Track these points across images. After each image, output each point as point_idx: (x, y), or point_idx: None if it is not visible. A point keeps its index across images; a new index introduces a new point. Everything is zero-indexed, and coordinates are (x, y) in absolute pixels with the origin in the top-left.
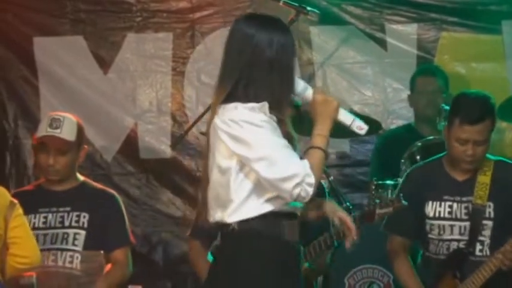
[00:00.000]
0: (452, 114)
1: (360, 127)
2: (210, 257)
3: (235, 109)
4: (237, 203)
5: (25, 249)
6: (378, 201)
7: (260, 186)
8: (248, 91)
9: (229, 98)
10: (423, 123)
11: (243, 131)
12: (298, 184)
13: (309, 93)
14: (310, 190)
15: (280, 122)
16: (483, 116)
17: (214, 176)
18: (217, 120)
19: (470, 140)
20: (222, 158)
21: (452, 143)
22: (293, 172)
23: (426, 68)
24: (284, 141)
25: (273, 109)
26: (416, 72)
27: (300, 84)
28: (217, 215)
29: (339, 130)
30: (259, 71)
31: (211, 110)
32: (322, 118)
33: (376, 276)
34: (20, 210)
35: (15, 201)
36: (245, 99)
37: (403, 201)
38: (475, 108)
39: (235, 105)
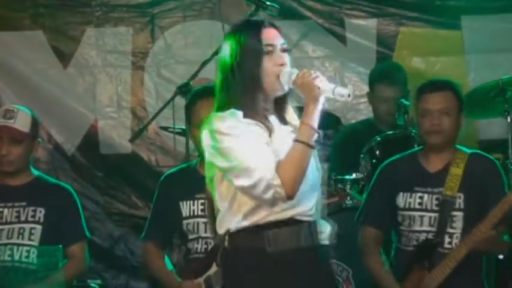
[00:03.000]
0: (418, 96)
1: (341, 94)
2: (167, 259)
3: (210, 119)
4: (222, 213)
5: None
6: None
7: (239, 196)
8: (225, 99)
9: (218, 108)
10: (383, 120)
11: (212, 141)
12: (267, 188)
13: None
14: (282, 191)
15: (264, 123)
16: (443, 86)
17: None
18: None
19: (434, 110)
20: (208, 167)
21: (420, 120)
22: (259, 177)
23: (386, 75)
24: (253, 145)
25: (247, 113)
26: (376, 76)
27: (286, 75)
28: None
29: None
30: (228, 78)
31: None
32: (306, 103)
33: (335, 272)
34: None
35: None
36: (224, 107)
37: (348, 191)
38: (434, 81)
39: (212, 115)
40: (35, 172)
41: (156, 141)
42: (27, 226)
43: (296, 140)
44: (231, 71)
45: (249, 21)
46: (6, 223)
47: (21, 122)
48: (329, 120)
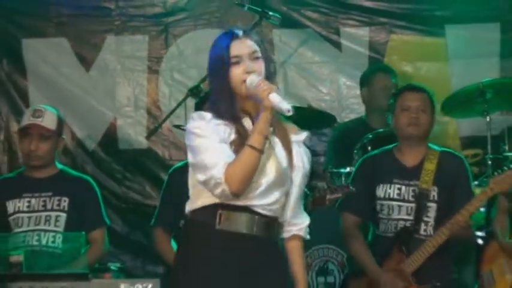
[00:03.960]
0: (397, 95)
1: (284, 108)
2: (173, 243)
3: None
4: (190, 196)
5: None
6: (329, 187)
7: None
8: (208, 103)
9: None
10: (375, 116)
11: (186, 139)
12: (215, 185)
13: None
14: (227, 188)
15: (236, 123)
16: (422, 89)
17: None
18: None
19: (413, 106)
20: None
21: (399, 116)
22: (210, 175)
23: (383, 66)
24: (212, 145)
25: (219, 115)
26: (373, 69)
27: (249, 82)
28: None
29: (300, 124)
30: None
31: None
32: (260, 111)
33: (331, 255)
34: None
35: None
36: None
37: (352, 188)
38: (413, 84)
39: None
40: (59, 165)
41: (169, 137)
42: (53, 214)
43: (246, 144)
44: (209, 80)
45: (223, 34)
46: (34, 211)
47: (49, 121)
48: (325, 119)
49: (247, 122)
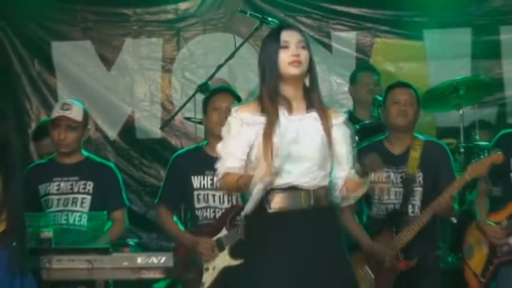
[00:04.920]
0: (389, 90)
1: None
2: (175, 218)
3: None
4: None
5: None
6: None
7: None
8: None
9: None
10: (362, 109)
11: (226, 123)
12: (218, 171)
13: None
14: (216, 178)
15: (271, 117)
16: (408, 85)
17: None
18: None
19: (402, 99)
20: None
21: (390, 108)
22: (217, 164)
23: (367, 66)
24: (231, 140)
25: (263, 106)
26: (359, 69)
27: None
28: None
29: None
30: (259, 72)
31: None
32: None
33: None
34: None
35: None
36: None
37: None
38: (401, 81)
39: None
40: (85, 153)
41: (181, 128)
42: (79, 196)
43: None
44: (260, 65)
45: (276, 27)
46: (62, 194)
47: (76, 113)
48: None
49: (282, 112)
